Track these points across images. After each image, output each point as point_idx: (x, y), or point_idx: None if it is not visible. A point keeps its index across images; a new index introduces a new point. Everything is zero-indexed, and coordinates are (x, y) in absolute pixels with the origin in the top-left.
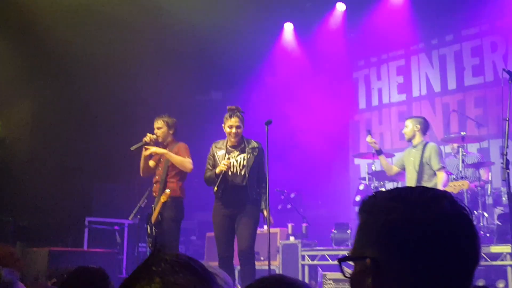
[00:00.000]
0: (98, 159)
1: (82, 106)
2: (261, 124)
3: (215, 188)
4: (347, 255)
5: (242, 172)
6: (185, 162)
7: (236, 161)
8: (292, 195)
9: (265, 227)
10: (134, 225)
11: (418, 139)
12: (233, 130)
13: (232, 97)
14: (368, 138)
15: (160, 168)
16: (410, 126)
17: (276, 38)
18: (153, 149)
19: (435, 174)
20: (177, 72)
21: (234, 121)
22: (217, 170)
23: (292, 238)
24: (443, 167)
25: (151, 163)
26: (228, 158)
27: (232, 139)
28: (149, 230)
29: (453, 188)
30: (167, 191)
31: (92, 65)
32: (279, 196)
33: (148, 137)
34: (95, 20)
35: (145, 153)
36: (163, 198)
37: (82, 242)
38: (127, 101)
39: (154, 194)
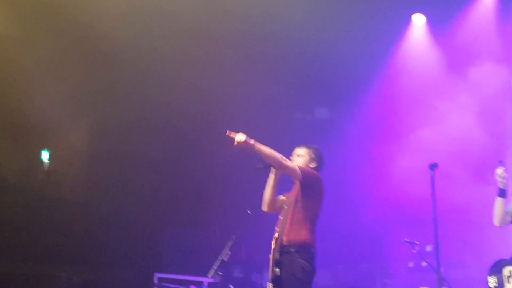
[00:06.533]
0: (170, 197)
1: (150, 132)
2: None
3: None
4: None
5: None
6: (277, 156)
7: None
8: (429, 249)
9: None
10: (216, 284)
11: None
12: None
13: (341, 115)
14: (500, 170)
15: (285, 206)
16: None
17: (400, 36)
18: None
19: None
20: (273, 84)
21: None
22: None
23: None
24: None
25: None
26: None
27: None
28: None
29: None
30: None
31: (165, 82)
32: (410, 250)
33: None
34: (173, 26)
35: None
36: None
37: None
38: (207, 124)
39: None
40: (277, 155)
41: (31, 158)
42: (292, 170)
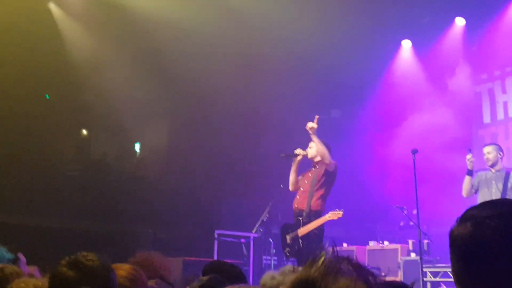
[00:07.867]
0: (228, 177)
1: (212, 127)
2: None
3: None
4: None
5: None
6: (326, 152)
7: None
8: (414, 212)
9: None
10: (259, 238)
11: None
12: None
13: (351, 115)
14: (469, 156)
15: (306, 182)
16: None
17: (394, 55)
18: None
19: None
20: (299, 91)
21: None
22: None
23: (413, 254)
24: None
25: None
26: None
27: None
28: (288, 241)
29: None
30: (339, 212)
31: (220, 90)
32: (401, 213)
33: (298, 151)
34: (223, 48)
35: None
36: (332, 216)
37: (212, 253)
38: (252, 121)
39: (294, 206)
40: (325, 149)
41: (127, 148)
42: (330, 163)
